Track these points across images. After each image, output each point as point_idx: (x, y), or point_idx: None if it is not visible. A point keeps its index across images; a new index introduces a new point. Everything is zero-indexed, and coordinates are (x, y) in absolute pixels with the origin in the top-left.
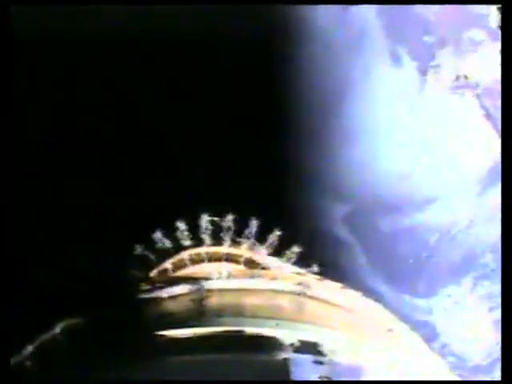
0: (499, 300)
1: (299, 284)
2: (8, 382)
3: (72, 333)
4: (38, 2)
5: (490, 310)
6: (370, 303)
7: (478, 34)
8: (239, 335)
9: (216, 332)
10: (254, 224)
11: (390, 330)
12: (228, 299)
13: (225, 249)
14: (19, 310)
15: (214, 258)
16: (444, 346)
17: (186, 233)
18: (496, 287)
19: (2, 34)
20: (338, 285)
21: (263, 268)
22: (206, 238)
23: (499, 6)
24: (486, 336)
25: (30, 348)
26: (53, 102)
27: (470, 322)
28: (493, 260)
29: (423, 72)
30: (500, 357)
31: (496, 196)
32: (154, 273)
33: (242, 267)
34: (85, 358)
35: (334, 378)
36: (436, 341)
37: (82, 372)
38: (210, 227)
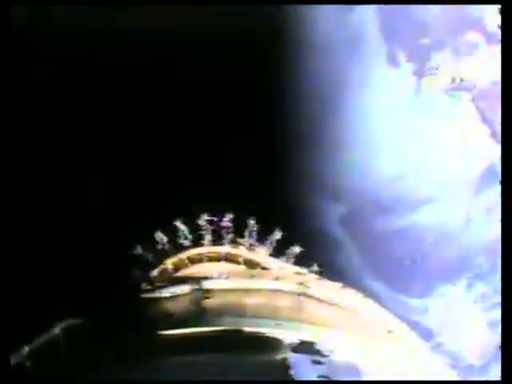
0: (494, 300)
1: (299, 284)
2: (8, 382)
3: (72, 333)
4: (37, 2)
5: (485, 310)
6: (369, 303)
7: (474, 37)
8: (239, 335)
9: (216, 332)
10: (253, 224)
11: (390, 331)
12: (228, 299)
13: (225, 249)
14: (19, 309)
15: (213, 258)
16: (439, 346)
17: (186, 233)
18: (491, 288)
19: (1, 34)
20: (338, 285)
21: (263, 268)
22: (206, 238)
23: (499, 6)
24: (480, 336)
25: (29, 348)
26: (52, 101)
27: (465, 322)
28: (488, 261)
29: (420, 74)
30: (494, 357)
31: (491, 197)
32: (154, 273)
33: (241, 267)
34: (85, 358)
35: (333, 378)
36: (430, 341)
37: (82, 372)
38: (209, 227)
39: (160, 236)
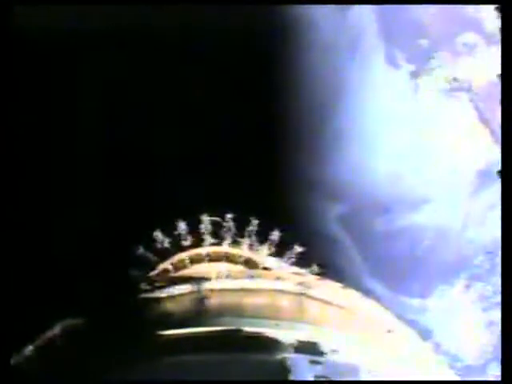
0: (492, 300)
1: (299, 284)
2: (8, 381)
3: (72, 333)
4: (40, 2)
5: (483, 310)
6: (369, 303)
7: (472, 38)
8: (239, 335)
9: (216, 332)
10: (253, 224)
11: (389, 331)
12: (228, 299)
13: (225, 249)
14: (19, 309)
15: (214, 258)
16: (437, 345)
17: (186, 233)
18: (489, 288)
19: (4, 34)
20: (338, 285)
21: (263, 268)
22: (206, 237)
23: (498, 6)
24: (479, 336)
25: (30, 348)
26: (53, 100)
27: (464, 322)
28: (486, 261)
29: (418, 74)
30: (493, 357)
31: (490, 197)
32: (154, 273)
33: (241, 267)
34: (85, 358)
35: (333, 378)
36: (429, 340)
37: (82, 372)
38: (210, 227)
39: (160, 236)
